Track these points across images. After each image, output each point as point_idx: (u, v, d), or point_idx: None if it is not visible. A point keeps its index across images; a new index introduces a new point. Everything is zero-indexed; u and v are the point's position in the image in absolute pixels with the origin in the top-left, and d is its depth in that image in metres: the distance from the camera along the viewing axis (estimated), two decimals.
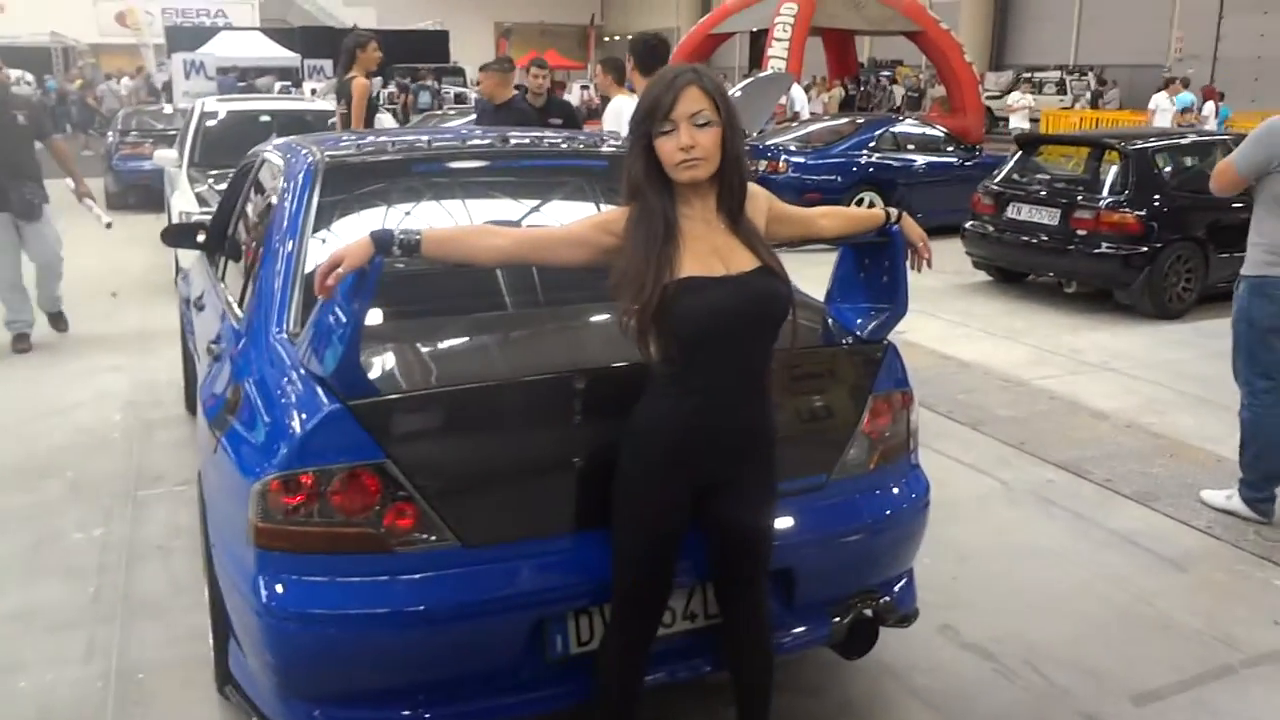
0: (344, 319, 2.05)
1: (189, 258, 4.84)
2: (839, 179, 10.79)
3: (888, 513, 2.70)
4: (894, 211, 2.59)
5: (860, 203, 10.75)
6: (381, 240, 2.04)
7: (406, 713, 2.28)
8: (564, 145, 3.49)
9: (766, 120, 17.06)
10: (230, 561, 2.37)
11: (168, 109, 16.14)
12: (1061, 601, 3.60)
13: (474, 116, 9.08)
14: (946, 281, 9.12)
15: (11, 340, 6.56)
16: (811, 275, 3.01)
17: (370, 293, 2.04)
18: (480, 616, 2.24)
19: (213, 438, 2.58)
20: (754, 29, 23.62)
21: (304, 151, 3.20)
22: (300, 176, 3.03)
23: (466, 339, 2.62)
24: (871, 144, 11.15)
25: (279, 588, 2.17)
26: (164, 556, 3.81)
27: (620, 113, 5.98)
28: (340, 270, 2.01)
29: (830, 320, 2.77)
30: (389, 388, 2.21)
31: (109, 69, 31.28)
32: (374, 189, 3.08)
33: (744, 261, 2.16)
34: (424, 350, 2.50)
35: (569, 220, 2.32)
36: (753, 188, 2.29)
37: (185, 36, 27.07)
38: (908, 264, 2.61)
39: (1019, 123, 19.44)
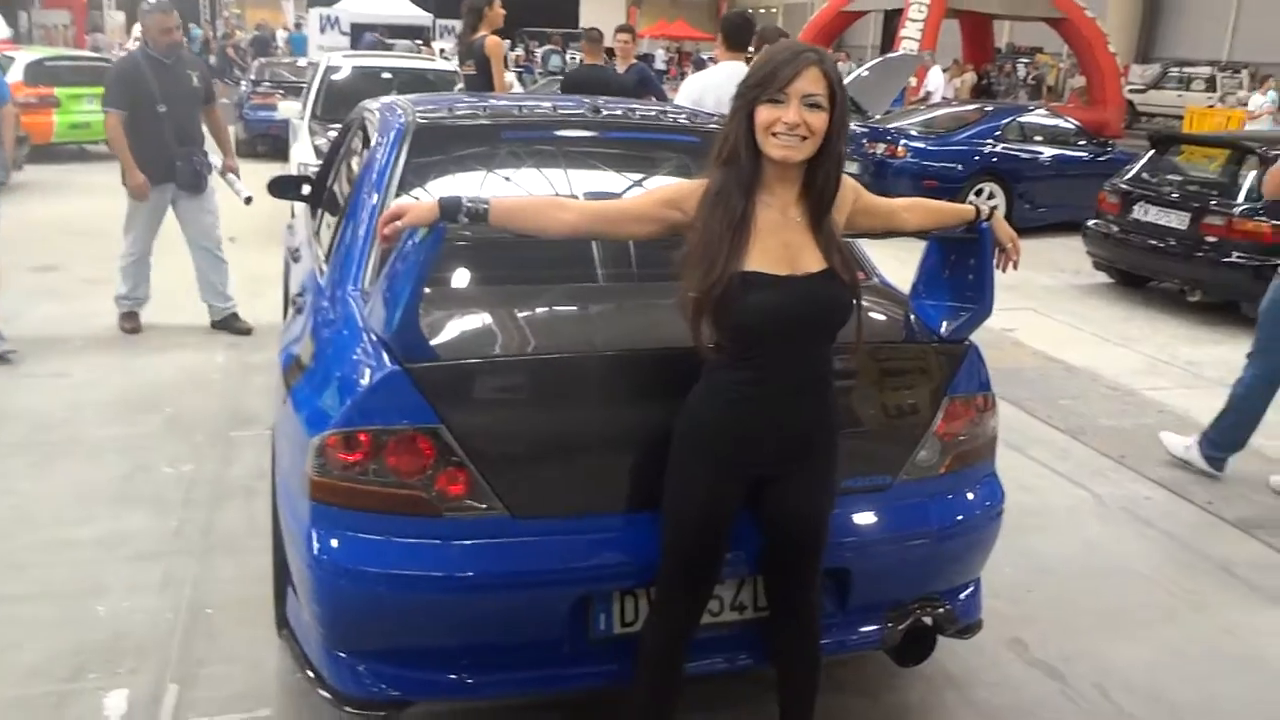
0: (404, 282, 2.06)
1: (298, 208, 4.98)
2: (959, 168, 10.47)
3: (956, 519, 2.59)
4: (984, 207, 2.48)
5: (980, 194, 10.45)
6: (448, 207, 2.03)
7: (449, 676, 2.30)
8: (657, 118, 3.43)
9: (894, 101, 16.75)
10: (289, 512, 2.41)
11: (301, 62, 16.63)
12: (1142, 626, 3.44)
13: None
14: (1063, 281, 8.83)
15: (120, 317, 6.07)
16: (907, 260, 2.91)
17: (431, 257, 2.04)
18: (524, 588, 2.23)
19: (284, 388, 2.62)
20: (888, 8, 23.09)
21: (398, 110, 3.23)
22: (391, 135, 3.06)
23: (541, 310, 2.59)
24: (997, 133, 10.76)
25: (331, 542, 2.19)
26: (246, 497, 3.92)
27: (703, 89, 5.77)
28: (399, 224, 2.03)
29: (911, 316, 2.67)
30: (449, 353, 2.21)
31: (253, 20, 32.39)
32: (461, 153, 3.08)
33: (811, 262, 2.09)
34: (494, 318, 2.49)
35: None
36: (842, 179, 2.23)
37: None
38: (995, 264, 2.51)
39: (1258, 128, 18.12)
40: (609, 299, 2.70)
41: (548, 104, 3.56)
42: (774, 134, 2.02)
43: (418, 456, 2.16)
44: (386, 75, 9.30)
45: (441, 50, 19.78)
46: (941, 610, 2.61)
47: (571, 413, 2.26)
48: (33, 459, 4.24)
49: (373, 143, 3.17)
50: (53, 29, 20.53)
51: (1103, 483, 4.59)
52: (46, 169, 11.94)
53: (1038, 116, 11.68)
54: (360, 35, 21.59)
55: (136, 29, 25.16)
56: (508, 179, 2.98)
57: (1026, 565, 3.72)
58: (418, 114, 3.14)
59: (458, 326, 2.42)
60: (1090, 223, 8.52)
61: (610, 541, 2.30)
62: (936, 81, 17.59)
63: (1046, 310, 7.70)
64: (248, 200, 5.87)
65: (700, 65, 25.05)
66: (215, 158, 6.12)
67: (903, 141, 10.72)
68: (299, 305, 3.05)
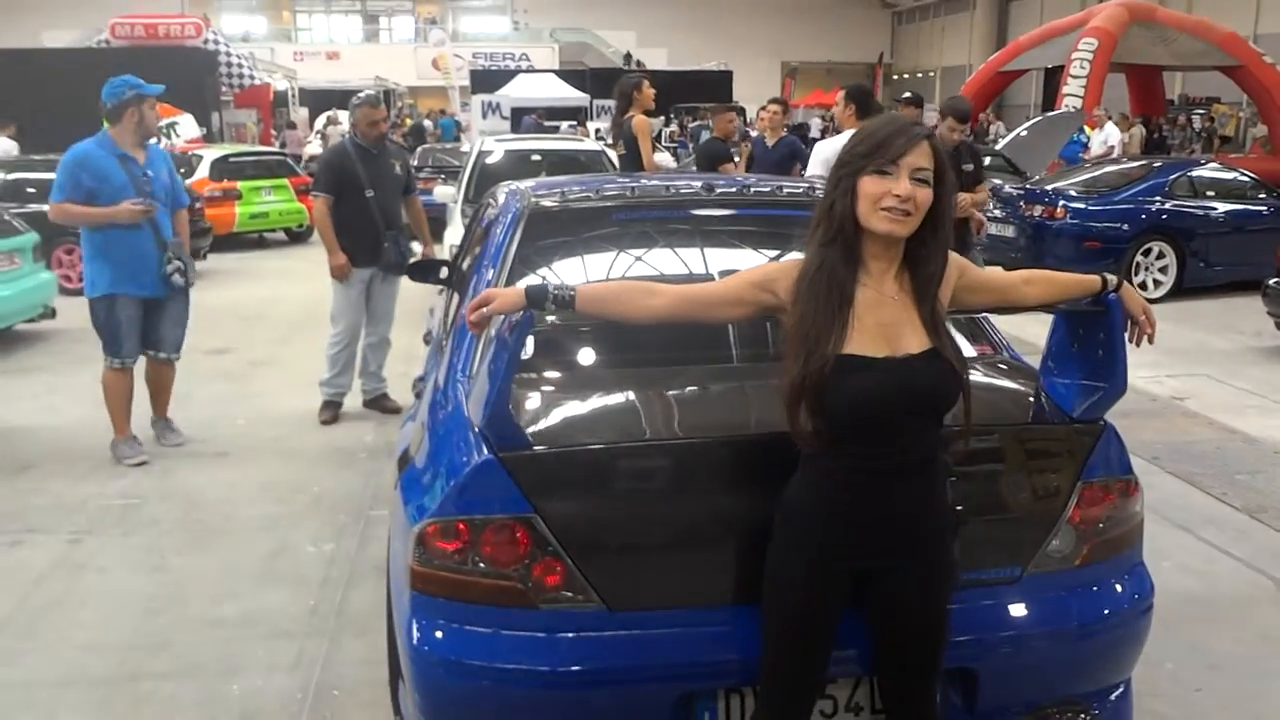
0: (495, 370, 2.06)
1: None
2: (1125, 227, 9.95)
3: (1100, 614, 2.38)
4: (1112, 278, 2.31)
5: (1148, 254, 9.94)
6: (535, 295, 2.03)
7: None
8: (772, 194, 3.38)
9: (1073, 159, 16.16)
10: (396, 600, 2.42)
11: (465, 147, 17.40)
12: None
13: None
14: (1241, 344, 8.23)
15: (321, 406, 6.10)
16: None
17: (520, 345, 2.04)
18: (623, 684, 2.16)
19: (396, 475, 2.67)
20: (1049, 65, 22.48)
21: (517, 195, 3.29)
22: (508, 218, 3.13)
23: (639, 394, 2.55)
24: (1165, 189, 10.20)
25: (432, 632, 2.19)
26: (380, 576, 3.93)
27: (834, 153, 6.03)
28: (485, 310, 2.04)
29: (1042, 394, 2.51)
30: (542, 441, 2.20)
31: (424, 109, 34.20)
32: (573, 236, 3.12)
33: (912, 342, 2.00)
34: (591, 404, 2.48)
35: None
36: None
37: (487, 79, 29.18)
38: (1127, 337, 2.33)
39: None
40: (709, 381, 2.64)
41: (663, 184, 3.55)
42: (882, 207, 1.96)
43: (514, 547, 2.14)
44: (536, 157, 9.61)
45: (596, 130, 20.36)
46: (1085, 714, 2.41)
47: (668, 501, 2.20)
48: (188, 537, 4.44)
49: (492, 226, 3.25)
50: (242, 127, 22.12)
51: None
52: (227, 257, 12.73)
53: (1210, 170, 11.02)
54: (520, 119, 22.50)
55: (319, 122, 27.01)
56: (616, 261, 2.98)
57: (1193, 662, 3.39)
58: (534, 197, 3.20)
59: (555, 413, 2.42)
60: (1271, 281, 7.92)
61: (712, 636, 2.20)
62: (1115, 136, 16.90)
63: (1223, 376, 7.18)
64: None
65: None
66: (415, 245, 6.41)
67: (1061, 202, 10.28)
68: (417, 391, 3.12)
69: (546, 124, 20.43)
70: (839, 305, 1.99)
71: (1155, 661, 3.05)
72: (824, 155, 6.44)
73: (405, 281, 5.82)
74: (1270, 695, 3.28)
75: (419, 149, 17.82)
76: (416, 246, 6.39)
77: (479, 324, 2.07)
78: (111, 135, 5.15)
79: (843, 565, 2.05)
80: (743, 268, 2.91)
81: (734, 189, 3.41)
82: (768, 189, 3.47)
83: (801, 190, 3.48)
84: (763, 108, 8.96)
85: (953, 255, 2.14)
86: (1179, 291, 9.96)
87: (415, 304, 6.83)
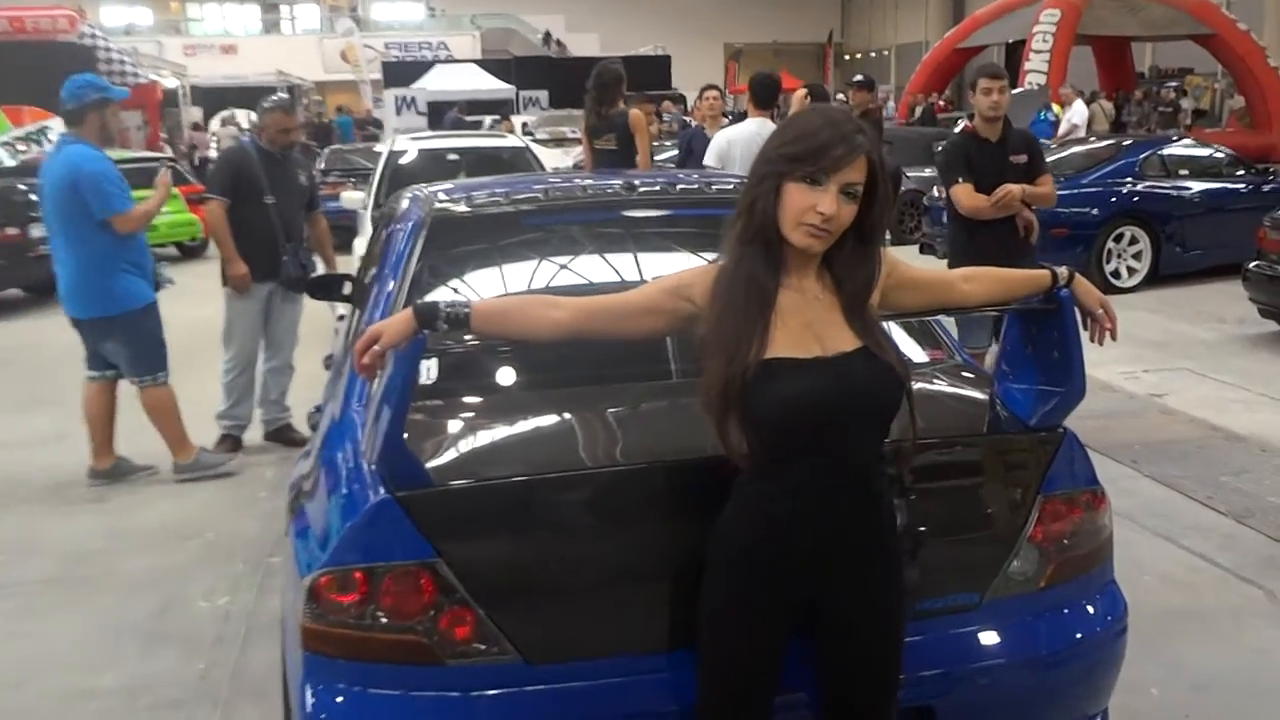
0: (386, 400, 2.01)
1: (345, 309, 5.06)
2: (1094, 212, 10.07)
3: (1069, 640, 2.40)
4: (1062, 271, 2.31)
5: (1119, 239, 10.11)
6: (425, 314, 1.98)
7: None
8: (699, 191, 3.38)
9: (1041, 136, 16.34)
10: (289, 662, 2.36)
11: (378, 147, 17.24)
12: None
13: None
14: (1224, 333, 8.38)
15: (218, 439, 5.99)
16: None
17: (413, 371, 2.00)
18: None
19: (288, 518, 2.60)
20: (1010, 40, 22.88)
21: (419, 200, 3.25)
22: (409, 228, 3.08)
23: (564, 416, 2.53)
24: (1136, 169, 10.39)
25: (327, 698, 2.12)
26: (280, 632, 3.90)
27: (730, 142, 6.52)
28: (377, 347, 1.98)
29: (996, 401, 2.51)
30: (445, 477, 2.16)
31: (332, 105, 33.87)
32: (482, 245, 3.08)
33: (844, 340, 2.00)
34: (505, 430, 2.43)
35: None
36: None
37: (402, 71, 28.96)
38: (1086, 335, 2.34)
39: None
40: (637, 401, 2.61)
41: (580, 184, 3.54)
42: (803, 223, 1.95)
43: (416, 596, 2.08)
44: (454, 157, 9.54)
45: (525, 124, 20.27)
46: None
47: (591, 538, 2.16)
48: (62, 596, 4.30)
49: (393, 236, 3.20)
50: (125, 130, 21.75)
51: (1277, 576, 4.22)
52: None
53: (1183, 147, 11.28)
54: (440, 114, 22.35)
55: (214, 123, 26.57)
56: (530, 271, 2.95)
57: (1179, 683, 3.41)
58: (438, 203, 3.16)
59: (461, 444, 2.38)
60: (1251, 264, 8.08)
61: (646, 686, 2.16)
62: (1081, 114, 17.17)
63: (1204, 369, 7.29)
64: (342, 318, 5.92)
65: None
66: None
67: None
68: (314, 423, 3.05)
69: (469, 119, 20.35)
70: (760, 307, 1.97)
71: (1137, 686, 3.06)
72: (719, 147, 6.61)
73: (310, 300, 5.80)
74: (1266, 716, 3.31)
75: (326, 150, 17.65)
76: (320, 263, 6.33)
77: (371, 367, 2.01)
78: (80, 137, 5.23)
79: (782, 598, 2.03)
80: (665, 273, 2.91)
81: (658, 186, 3.39)
82: (696, 185, 3.46)
83: (733, 186, 3.45)
84: (700, 95, 9.01)
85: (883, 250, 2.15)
86: (1154, 279, 10.12)
87: (323, 324, 6.79)
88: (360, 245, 8.18)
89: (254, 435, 6.16)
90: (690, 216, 3.24)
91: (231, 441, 6.07)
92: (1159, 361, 7.47)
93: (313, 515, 2.38)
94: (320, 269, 6.19)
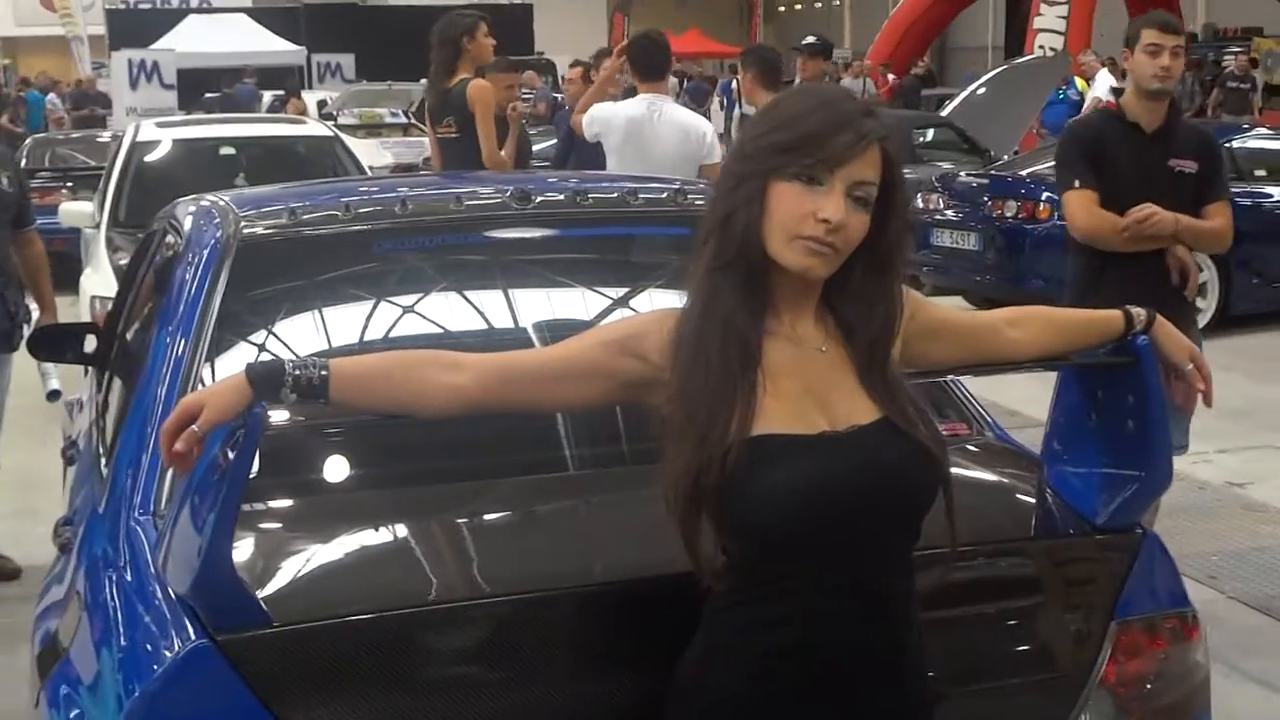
0: (208, 506, 1.91)
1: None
2: None
3: None
4: (1139, 312, 2.38)
5: None
6: (264, 380, 1.89)
7: None
8: (623, 202, 3.35)
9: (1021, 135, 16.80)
10: None
11: (103, 136, 16.94)
12: None
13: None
14: None
15: None
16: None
17: (248, 461, 1.90)
18: None
19: (36, 681, 2.45)
20: None
21: (213, 217, 3.12)
22: (203, 258, 2.95)
23: (445, 523, 2.49)
24: None
25: None
26: None
27: (606, 122, 6.54)
28: (197, 428, 1.88)
29: (1047, 491, 2.61)
30: (287, 611, 2.08)
31: (31, 72, 33.17)
32: (312, 281, 3.03)
33: (858, 409, 1.98)
34: (364, 545, 2.41)
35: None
36: None
37: (135, 24, 28.04)
38: (1170, 398, 2.41)
39: None
40: (556, 497, 2.62)
41: (452, 193, 3.44)
42: (801, 236, 1.94)
43: None
44: (228, 150, 9.36)
45: (321, 104, 20.25)
46: None
47: (489, 693, 2.12)
48: None
49: (177, 270, 3.09)
50: None
51: None
52: None
53: (1258, 139, 11.25)
54: (197, 89, 22.08)
55: None
56: (383, 319, 2.92)
57: None
58: (244, 221, 3.05)
59: (303, 566, 2.32)
60: None
61: None
62: (1104, 91, 17.63)
63: None
64: (52, 395, 5.57)
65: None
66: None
67: (1046, 195, 10.27)
68: (61, 542, 3.02)
69: (228, 93, 20.20)
70: (741, 364, 1.94)
71: None
72: (592, 127, 6.56)
73: (21, 361, 5.60)
74: None
75: (29, 139, 17.28)
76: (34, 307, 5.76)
77: (186, 456, 1.91)
78: None
79: None
80: (584, 322, 2.99)
81: (561, 195, 3.39)
82: (615, 195, 3.45)
83: (667, 195, 3.40)
84: (572, 66, 9.00)
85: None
86: (1224, 322, 10.16)
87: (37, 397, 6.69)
88: (93, 282, 8.03)
89: None
90: (608, 239, 3.29)
91: None
92: (1238, 438, 7.42)
93: (81, 672, 2.28)
94: (35, 315, 5.82)
